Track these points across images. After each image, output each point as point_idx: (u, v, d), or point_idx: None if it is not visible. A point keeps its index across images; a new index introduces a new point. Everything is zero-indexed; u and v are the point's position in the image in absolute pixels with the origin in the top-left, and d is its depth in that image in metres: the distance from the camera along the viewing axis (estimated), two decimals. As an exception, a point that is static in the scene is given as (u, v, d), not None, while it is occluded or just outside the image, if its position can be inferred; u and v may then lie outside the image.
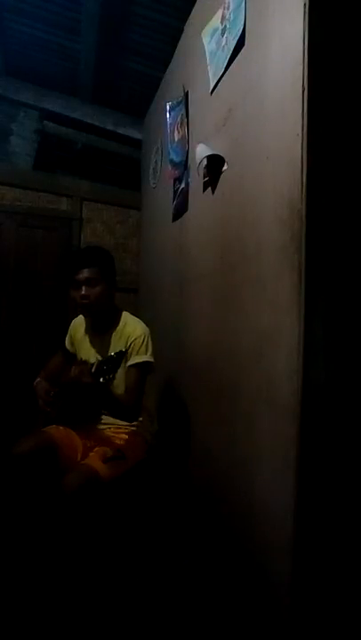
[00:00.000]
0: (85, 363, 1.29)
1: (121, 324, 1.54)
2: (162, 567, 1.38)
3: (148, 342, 1.49)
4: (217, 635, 1.14)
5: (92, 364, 1.23)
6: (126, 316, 1.57)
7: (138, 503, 1.50)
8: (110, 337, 1.53)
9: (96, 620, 1.15)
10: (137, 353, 1.45)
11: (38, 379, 1.52)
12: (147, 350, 1.48)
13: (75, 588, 1.23)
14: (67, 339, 1.71)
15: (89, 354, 1.57)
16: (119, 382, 1.44)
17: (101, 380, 1.20)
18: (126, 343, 1.48)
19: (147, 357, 1.47)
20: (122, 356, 1.22)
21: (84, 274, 1.44)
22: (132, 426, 1.54)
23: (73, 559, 1.27)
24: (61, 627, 1.12)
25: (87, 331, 1.61)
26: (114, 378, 1.22)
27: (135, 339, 1.47)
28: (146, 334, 1.50)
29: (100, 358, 1.50)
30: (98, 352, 1.55)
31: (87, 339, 1.61)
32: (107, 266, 1.51)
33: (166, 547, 1.48)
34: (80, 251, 1.87)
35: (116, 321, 1.54)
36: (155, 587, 1.29)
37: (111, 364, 1.20)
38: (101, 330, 1.55)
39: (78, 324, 1.66)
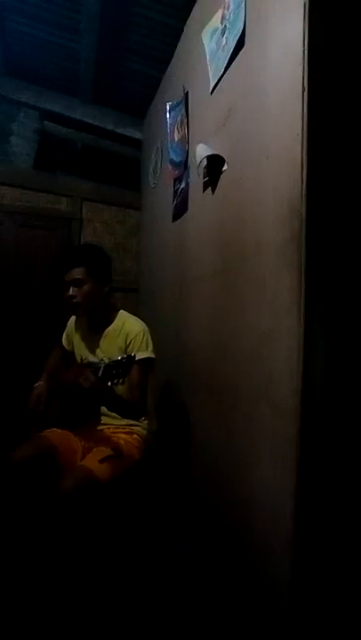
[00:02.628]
0: (87, 365, 1.28)
1: (118, 322, 1.53)
2: (160, 566, 1.38)
3: (147, 339, 1.49)
4: (217, 633, 1.14)
5: (99, 368, 1.20)
6: (124, 315, 1.56)
7: (136, 502, 1.49)
8: (107, 335, 1.53)
9: (95, 620, 1.15)
10: (138, 350, 1.45)
11: (40, 382, 1.51)
12: (147, 346, 1.48)
13: (72, 590, 1.22)
14: (64, 336, 1.71)
15: (86, 351, 1.57)
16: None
17: (110, 384, 1.18)
18: (125, 341, 1.48)
19: (148, 353, 1.46)
20: (131, 360, 1.20)
21: (71, 275, 1.45)
22: (131, 425, 1.54)
23: (71, 560, 1.26)
24: (61, 627, 1.12)
25: (84, 328, 1.61)
26: (123, 383, 1.20)
27: (135, 335, 1.47)
28: (145, 331, 1.50)
29: (102, 357, 1.50)
30: (95, 350, 1.55)
31: (84, 336, 1.61)
32: (95, 264, 1.49)
33: (165, 546, 1.48)
34: (70, 250, 1.87)
35: (112, 319, 1.54)
36: (153, 586, 1.29)
37: (121, 368, 1.17)
38: (98, 327, 1.55)
39: (77, 321, 1.67)
